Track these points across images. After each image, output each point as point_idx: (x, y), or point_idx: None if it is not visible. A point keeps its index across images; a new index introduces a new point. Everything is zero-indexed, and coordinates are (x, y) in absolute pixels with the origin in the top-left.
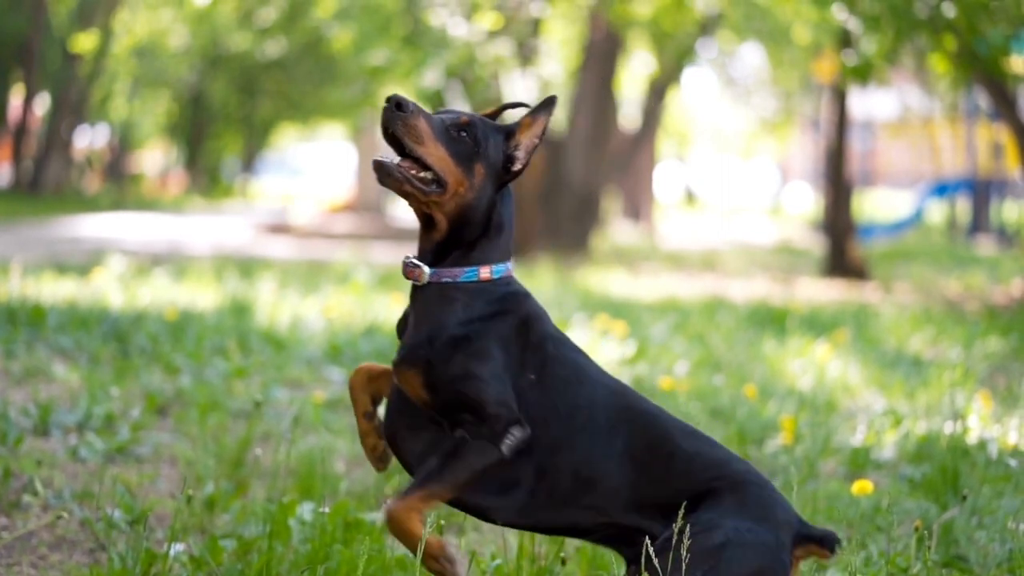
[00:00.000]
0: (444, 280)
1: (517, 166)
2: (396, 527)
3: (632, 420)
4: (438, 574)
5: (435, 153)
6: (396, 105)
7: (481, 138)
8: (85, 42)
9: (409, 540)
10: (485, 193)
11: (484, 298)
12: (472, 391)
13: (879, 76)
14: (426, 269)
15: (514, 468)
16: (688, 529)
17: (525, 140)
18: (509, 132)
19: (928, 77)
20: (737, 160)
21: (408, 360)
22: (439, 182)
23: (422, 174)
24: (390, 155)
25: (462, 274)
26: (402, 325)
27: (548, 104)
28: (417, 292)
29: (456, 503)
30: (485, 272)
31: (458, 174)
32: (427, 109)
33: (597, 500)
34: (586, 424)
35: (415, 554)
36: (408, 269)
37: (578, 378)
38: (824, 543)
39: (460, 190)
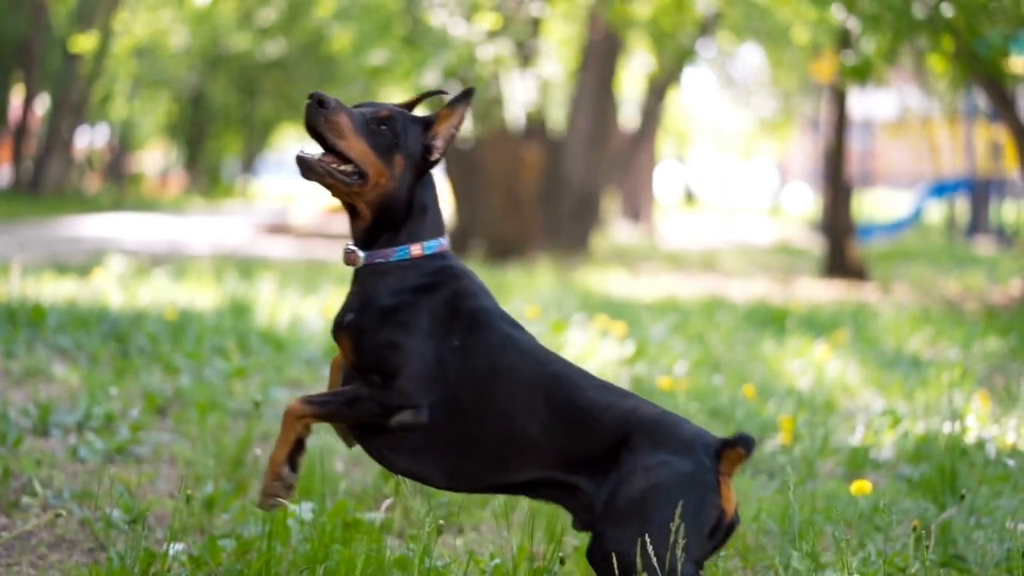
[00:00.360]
0: (377, 261)
1: (435, 155)
2: (285, 421)
3: (550, 381)
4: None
5: (356, 147)
6: (318, 102)
7: (401, 131)
8: (84, 42)
9: (281, 436)
10: (405, 182)
11: (417, 272)
12: (392, 360)
13: (878, 76)
14: (360, 253)
15: (443, 433)
16: (613, 482)
17: (443, 130)
18: (428, 123)
19: (927, 77)
20: (737, 160)
21: (342, 325)
22: (360, 174)
23: (343, 167)
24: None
25: (394, 253)
26: None
27: (466, 96)
28: (356, 275)
29: (400, 473)
30: (416, 249)
31: (379, 166)
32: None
33: (525, 459)
34: (507, 387)
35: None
36: (347, 255)
37: (504, 345)
38: (740, 444)
39: (381, 180)
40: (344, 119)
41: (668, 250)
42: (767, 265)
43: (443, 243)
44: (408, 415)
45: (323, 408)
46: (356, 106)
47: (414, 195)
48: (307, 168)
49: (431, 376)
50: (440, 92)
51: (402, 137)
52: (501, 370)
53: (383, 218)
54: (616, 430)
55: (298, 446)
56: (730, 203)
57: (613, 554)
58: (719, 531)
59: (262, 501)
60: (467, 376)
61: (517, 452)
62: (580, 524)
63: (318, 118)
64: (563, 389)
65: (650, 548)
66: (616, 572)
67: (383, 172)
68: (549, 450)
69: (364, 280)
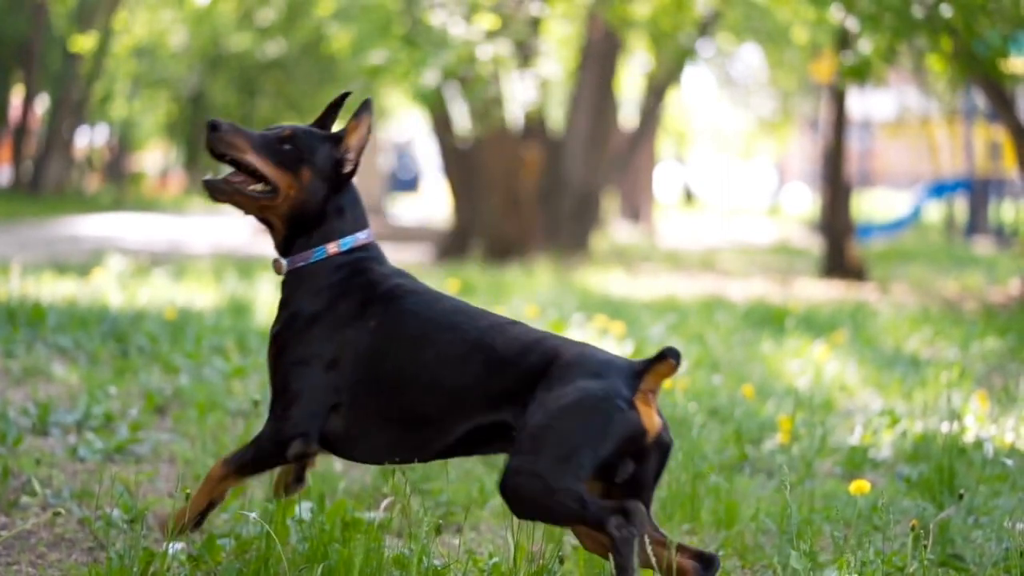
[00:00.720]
0: (298, 265)
1: (348, 168)
2: (205, 483)
3: (478, 334)
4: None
5: (258, 161)
6: (211, 127)
7: (305, 146)
8: (83, 42)
9: (198, 495)
10: (317, 193)
11: (331, 267)
12: (295, 384)
13: (877, 75)
14: (283, 261)
15: (373, 414)
16: (527, 411)
17: (353, 143)
18: (337, 138)
19: (926, 77)
20: (736, 161)
21: (270, 336)
22: (273, 188)
23: (253, 186)
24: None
25: (312, 255)
26: None
27: (366, 107)
28: (283, 283)
29: (360, 461)
30: (332, 247)
31: (287, 178)
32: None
33: (459, 413)
34: (435, 348)
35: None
36: (275, 265)
37: (428, 311)
38: (666, 358)
39: (291, 192)
40: (239, 138)
41: (667, 250)
42: (766, 265)
43: (361, 237)
44: (299, 444)
45: (237, 465)
46: (263, 129)
47: (328, 203)
48: (214, 190)
49: (324, 407)
50: (347, 94)
51: (307, 152)
52: (428, 335)
53: (296, 227)
54: (538, 364)
55: (210, 507)
56: (729, 203)
57: (511, 484)
58: (644, 452)
59: (160, 528)
60: (391, 351)
61: (451, 408)
62: None
63: (215, 141)
64: (491, 337)
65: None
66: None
67: (292, 184)
68: (479, 397)
69: (290, 286)
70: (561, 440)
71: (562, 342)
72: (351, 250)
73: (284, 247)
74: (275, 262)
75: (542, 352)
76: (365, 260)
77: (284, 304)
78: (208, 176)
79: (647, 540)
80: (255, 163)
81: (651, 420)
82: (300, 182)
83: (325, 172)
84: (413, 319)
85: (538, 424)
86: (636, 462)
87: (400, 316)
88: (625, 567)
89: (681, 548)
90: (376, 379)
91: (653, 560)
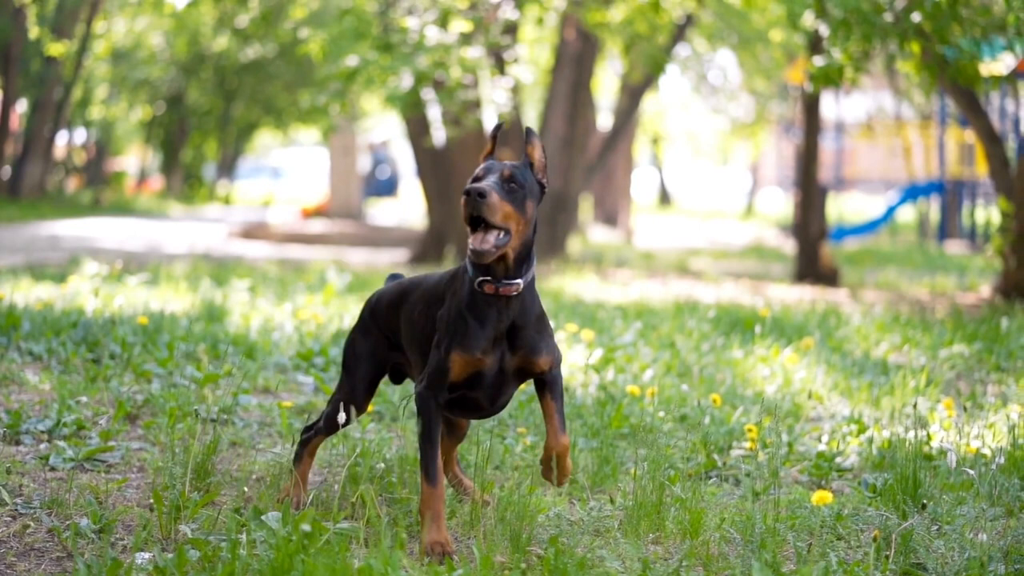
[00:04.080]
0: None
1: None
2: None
3: None
4: None
5: (509, 216)
6: (480, 194)
7: (525, 182)
8: (58, 47)
9: None
10: (534, 219)
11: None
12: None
13: (850, 80)
14: (519, 282)
15: None
16: None
17: (541, 164)
18: (530, 165)
19: (900, 81)
20: (711, 164)
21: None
22: (507, 232)
23: (498, 237)
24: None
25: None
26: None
27: (531, 132)
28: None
29: None
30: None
31: (519, 218)
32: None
33: None
34: None
35: None
36: (504, 289)
37: None
38: None
39: (521, 229)
40: (500, 201)
41: (642, 253)
42: (739, 270)
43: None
44: None
45: None
46: (484, 173)
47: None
48: (483, 255)
49: None
50: (501, 124)
51: (527, 186)
52: None
53: (523, 255)
54: None
55: None
56: (704, 206)
57: None
58: None
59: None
60: None
61: None
62: None
63: (485, 209)
64: None
65: None
66: None
67: (522, 221)
68: None
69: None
70: None
71: None
72: None
73: (515, 271)
74: (508, 286)
75: None
76: None
77: (525, 309)
78: (474, 248)
79: None
80: (508, 222)
81: None
82: (527, 217)
83: (537, 198)
84: None
85: None
86: None
87: None
88: None
89: None
90: None
91: None
